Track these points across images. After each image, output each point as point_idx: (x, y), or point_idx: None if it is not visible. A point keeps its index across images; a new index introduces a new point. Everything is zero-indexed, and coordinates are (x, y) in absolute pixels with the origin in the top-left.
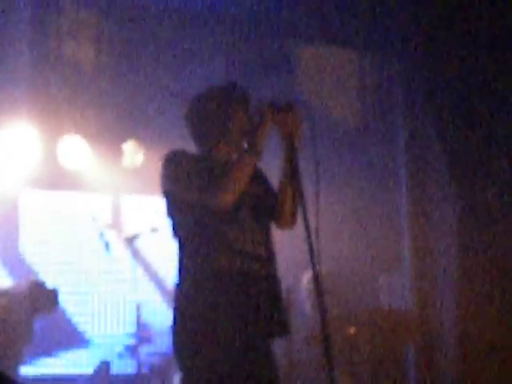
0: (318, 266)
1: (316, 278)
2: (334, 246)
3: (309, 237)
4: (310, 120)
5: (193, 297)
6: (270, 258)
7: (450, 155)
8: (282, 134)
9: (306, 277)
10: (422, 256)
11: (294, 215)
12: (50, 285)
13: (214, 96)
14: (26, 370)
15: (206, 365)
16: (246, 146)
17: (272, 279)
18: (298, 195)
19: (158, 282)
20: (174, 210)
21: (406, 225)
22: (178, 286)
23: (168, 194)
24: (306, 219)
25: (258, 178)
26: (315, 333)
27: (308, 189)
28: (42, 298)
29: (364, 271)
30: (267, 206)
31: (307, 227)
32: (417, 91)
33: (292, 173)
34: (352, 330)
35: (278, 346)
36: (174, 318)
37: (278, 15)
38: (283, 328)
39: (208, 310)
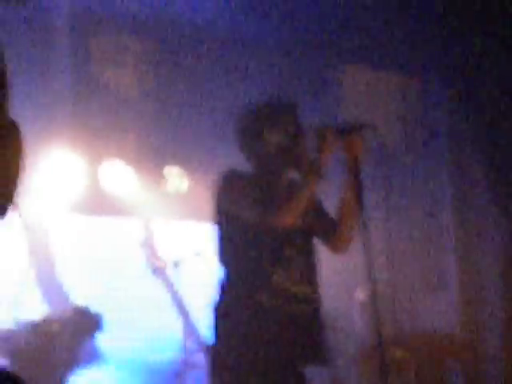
0: (374, 284)
1: (373, 294)
2: (379, 268)
3: (368, 255)
4: (379, 143)
5: (229, 327)
6: (314, 295)
7: (494, 176)
8: (347, 158)
9: (361, 293)
10: (468, 278)
11: (351, 239)
12: (93, 310)
13: (259, 112)
14: None
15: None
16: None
17: (313, 315)
18: (360, 218)
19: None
20: (224, 232)
21: (451, 246)
22: (217, 310)
23: (222, 214)
24: (367, 241)
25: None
26: (364, 351)
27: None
28: (85, 324)
29: (409, 292)
30: (318, 237)
31: (368, 247)
32: (462, 119)
33: (356, 196)
34: (398, 353)
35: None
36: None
37: (324, 38)
38: (320, 358)
39: (242, 343)
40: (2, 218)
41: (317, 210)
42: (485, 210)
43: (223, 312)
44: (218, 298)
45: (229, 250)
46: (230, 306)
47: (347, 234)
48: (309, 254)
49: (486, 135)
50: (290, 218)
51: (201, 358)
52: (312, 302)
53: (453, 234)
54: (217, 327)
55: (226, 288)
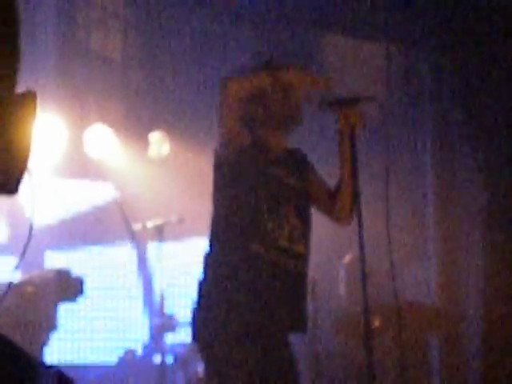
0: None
1: (362, 261)
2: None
3: (360, 226)
4: (380, 115)
5: (219, 278)
6: (303, 256)
7: (478, 145)
8: (342, 128)
9: (347, 258)
10: (447, 248)
11: (352, 211)
12: (74, 273)
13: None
14: (51, 357)
15: (226, 352)
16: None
17: (301, 277)
18: (355, 189)
19: (183, 273)
20: (223, 182)
21: (431, 217)
22: (205, 271)
23: (223, 164)
24: (359, 211)
25: (306, 170)
26: (346, 318)
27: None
28: (67, 286)
29: (388, 263)
30: (320, 209)
31: (360, 217)
32: (444, 82)
33: (351, 167)
34: (377, 323)
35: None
36: (198, 303)
37: (303, 5)
38: (301, 326)
39: (232, 294)
40: (16, 192)
41: (318, 179)
42: (466, 179)
43: (215, 259)
44: (209, 247)
45: (226, 200)
46: (223, 253)
47: (348, 205)
48: (304, 216)
49: (472, 103)
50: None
51: (178, 323)
52: (301, 261)
53: (432, 204)
54: (206, 275)
55: (219, 237)
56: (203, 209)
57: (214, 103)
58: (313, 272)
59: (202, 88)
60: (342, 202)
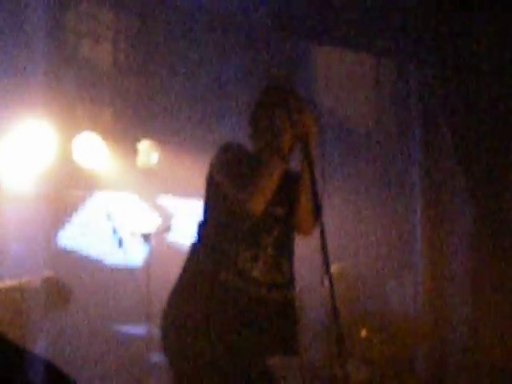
0: (330, 269)
1: (330, 281)
2: (347, 250)
3: (323, 240)
4: (320, 120)
5: (186, 298)
6: (281, 283)
7: (465, 160)
8: (297, 136)
9: (332, 268)
10: (433, 260)
11: (314, 220)
12: (63, 281)
13: (260, 97)
14: None
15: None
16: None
17: (279, 303)
18: (314, 199)
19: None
20: (210, 199)
21: (418, 228)
22: (178, 283)
23: (212, 182)
24: (321, 223)
25: (292, 189)
26: (330, 328)
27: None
28: (55, 295)
29: (376, 275)
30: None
31: (322, 231)
32: (433, 97)
33: (310, 178)
34: (363, 333)
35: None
36: (165, 315)
37: (295, 18)
38: (285, 348)
39: (196, 319)
40: None
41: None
42: (453, 192)
43: (185, 285)
44: (182, 271)
45: (208, 225)
46: (191, 280)
47: (309, 218)
48: (285, 244)
49: (458, 114)
50: (251, 202)
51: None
52: (279, 289)
53: (420, 216)
54: (176, 301)
55: (192, 262)
56: (190, 218)
57: (202, 112)
58: (297, 283)
59: (192, 97)
60: (302, 215)
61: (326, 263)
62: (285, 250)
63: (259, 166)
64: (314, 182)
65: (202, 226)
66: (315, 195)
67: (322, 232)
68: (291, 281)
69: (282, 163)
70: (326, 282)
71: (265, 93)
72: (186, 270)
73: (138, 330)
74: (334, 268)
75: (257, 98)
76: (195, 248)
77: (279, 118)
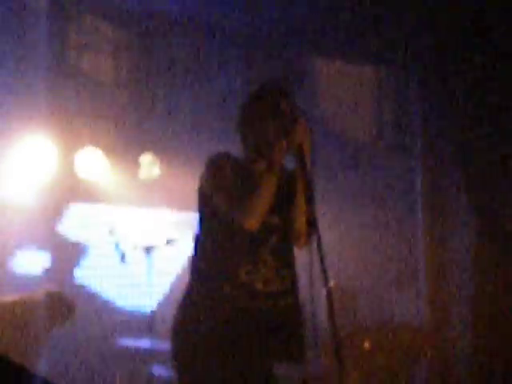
0: (329, 283)
1: (328, 294)
2: (350, 261)
3: (321, 254)
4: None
5: (192, 315)
6: (284, 292)
7: (467, 170)
8: (290, 145)
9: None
10: (437, 272)
11: (309, 232)
12: (67, 296)
13: (250, 101)
14: None
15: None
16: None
17: (284, 311)
18: (310, 209)
19: (172, 292)
20: (202, 218)
21: (421, 240)
22: (183, 299)
23: (203, 196)
24: (318, 237)
25: (287, 194)
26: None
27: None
28: (58, 309)
29: (380, 286)
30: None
31: (319, 243)
32: (434, 106)
33: (304, 186)
34: (367, 345)
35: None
36: (176, 332)
37: (296, 30)
38: (293, 355)
39: (203, 334)
40: None
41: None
42: (455, 205)
43: (188, 301)
44: (187, 286)
45: (204, 238)
46: (196, 295)
47: (301, 224)
48: (284, 252)
49: (459, 124)
50: (247, 218)
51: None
52: (282, 298)
53: (423, 229)
54: (181, 316)
55: (194, 277)
56: (192, 231)
57: (203, 126)
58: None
59: (192, 111)
60: (296, 223)
61: (325, 276)
62: (284, 257)
63: (251, 179)
64: (309, 194)
65: (199, 239)
66: (310, 205)
67: (319, 243)
68: (294, 287)
69: (276, 176)
70: (324, 294)
71: (256, 96)
72: (190, 284)
73: (140, 342)
74: (331, 283)
75: (248, 100)
76: (194, 261)
77: (273, 126)
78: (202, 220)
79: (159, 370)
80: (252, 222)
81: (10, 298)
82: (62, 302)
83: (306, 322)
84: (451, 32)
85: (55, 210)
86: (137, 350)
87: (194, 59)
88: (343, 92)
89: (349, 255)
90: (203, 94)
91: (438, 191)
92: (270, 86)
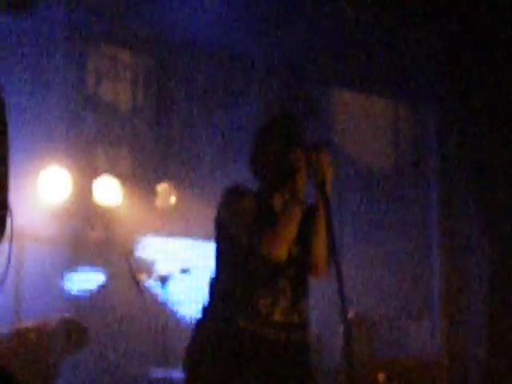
0: (348, 312)
1: (346, 325)
2: (363, 293)
3: (340, 285)
4: (336, 161)
5: (206, 346)
6: (300, 325)
7: (483, 205)
8: (314, 177)
9: (349, 314)
10: (452, 305)
11: (328, 264)
12: (81, 323)
13: (261, 132)
14: None
15: None
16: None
17: (296, 345)
18: (330, 241)
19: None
20: (220, 249)
21: (436, 273)
22: (196, 330)
23: (220, 226)
24: (338, 267)
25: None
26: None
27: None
28: (73, 336)
29: (394, 319)
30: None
31: (339, 273)
32: (450, 140)
33: (326, 216)
34: (381, 378)
35: None
36: (187, 367)
37: (314, 59)
38: None
39: (219, 371)
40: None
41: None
42: (472, 236)
43: (202, 333)
44: (199, 317)
45: (221, 269)
46: (210, 327)
47: (322, 257)
48: (301, 283)
49: (476, 158)
50: (274, 249)
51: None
52: (297, 330)
53: (438, 260)
54: (193, 349)
55: (209, 309)
56: (208, 260)
57: (220, 155)
58: (315, 327)
59: (209, 140)
60: (316, 254)
61: (343, 307)
62: (302, 289)
63: (271, 209)
64: (329, 223)
65: (215, 269)
66: (331, 236)
67: (340, 274)
68: (307, 321)
69: (302, 206)
70: (343, 327)
71: (273, 124)
72: (203, 315)
73: (157, 373)
74: (349, 313)
75: (262, 130)
76: (209, 293)
77: (295, 155)
78: (218, 250)
79: None
80: (279, 253)
81: (24, 324)
82: (77, 329)
83: (314, 358)
84: (474, 70)
85: (72, 238)
86: (154, 381)
87: (213, 87)
88: (361, 123)
89: (363, 288)
90: (221, 122)
91: (454, 223)
92: (283, 116)
